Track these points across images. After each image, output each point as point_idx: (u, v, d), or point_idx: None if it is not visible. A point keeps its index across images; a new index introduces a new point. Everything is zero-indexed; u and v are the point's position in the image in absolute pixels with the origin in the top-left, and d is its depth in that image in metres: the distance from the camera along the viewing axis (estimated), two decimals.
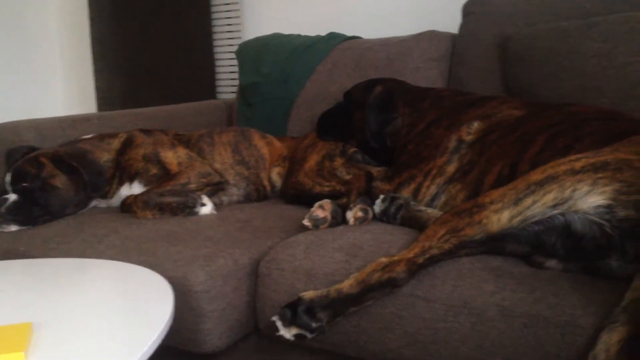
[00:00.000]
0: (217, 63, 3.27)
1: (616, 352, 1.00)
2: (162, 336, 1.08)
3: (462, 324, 1.20)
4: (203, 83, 3.27)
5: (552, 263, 1.25)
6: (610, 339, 1.01)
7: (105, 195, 1.97)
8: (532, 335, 1.13)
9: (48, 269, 1.44)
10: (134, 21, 3.39)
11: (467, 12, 2.24)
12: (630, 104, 1.71)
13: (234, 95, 3.18)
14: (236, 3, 3.16)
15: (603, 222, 1.16)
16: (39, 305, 1.21)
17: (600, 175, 1.18)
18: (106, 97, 3.56)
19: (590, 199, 1.16)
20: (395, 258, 1.26)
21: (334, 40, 2.49)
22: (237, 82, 3.15)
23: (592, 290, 1.15)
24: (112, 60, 3.48)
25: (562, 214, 1.18)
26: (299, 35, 2.61)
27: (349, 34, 2.57)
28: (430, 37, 2.27)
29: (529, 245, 1.24)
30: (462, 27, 2.24)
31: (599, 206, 1.16)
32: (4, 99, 3.49)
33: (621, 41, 1.78)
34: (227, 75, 3.28)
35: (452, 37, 2.28)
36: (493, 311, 1.18)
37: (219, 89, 3.29)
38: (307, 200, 1.86)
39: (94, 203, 1.98)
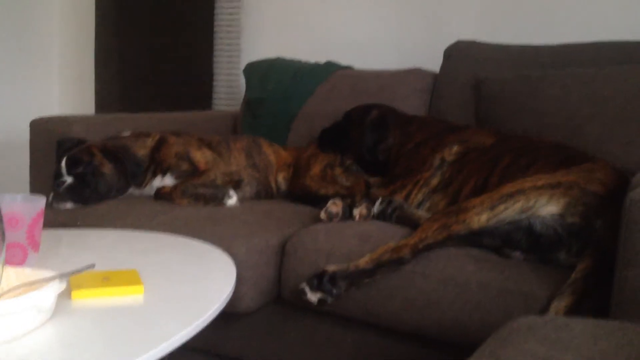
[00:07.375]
0: (215, 77, 3.62)
1: (563, 314, 1.42)
2: (233, 287, 1.44)
3: (449, 294, 1.60)
4: (199, 94, 3.61)
5: (516, 254, 1.64)
6: (559, 304, 1.42)
7: (140, 185, 2.30)
8: (502, 302, 1.53)
9: (139, 241, 1.74)
10: (138, 34, 3.72)
11: (447, 55, 2.63)
12: (577, 140, 2.11)
13: (227, 107, 3.55)
14: (237, 25, 3.53)
15: (556, 225, 1.57)
16: (132, 261, 1.53)
17: (555, 191, 1.60)
18: (104, 102, 3.87)
19: (548, 208, 1.58)
20: (401, 243, 1.66)
21: (332, 67, 2.87)
22: (231, 96, 3.53)
23: (546, 273, 1.55)
24: (114, 67, 3.80)
25: (527, 218, 1.59)
26: (299, 61, 3.00)
27: (340, 62, 2.96)
28: (416, 73, 2.68)
29: (500, 240, 1.64)
30: (443, 67, 2.63)
31: (554, 214, 1.57)
32: (7, 99, 3.77)
33: (573, 90, 2.18)
34: (223, 90, 3.63)
35: (434, 75, 2.68)
36: (473, 284, 1.58)
37: (215, 101, 3.64)
38: (312, 200, 2.25)
39: (130, 190, 2.31)
